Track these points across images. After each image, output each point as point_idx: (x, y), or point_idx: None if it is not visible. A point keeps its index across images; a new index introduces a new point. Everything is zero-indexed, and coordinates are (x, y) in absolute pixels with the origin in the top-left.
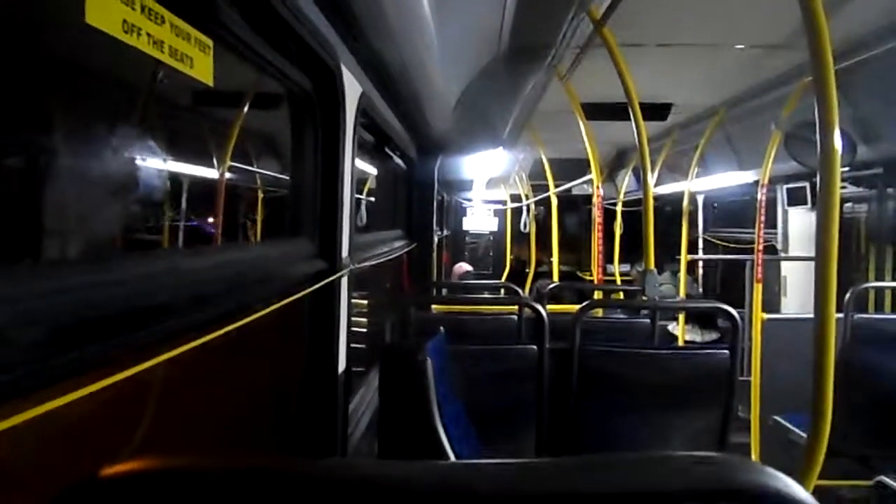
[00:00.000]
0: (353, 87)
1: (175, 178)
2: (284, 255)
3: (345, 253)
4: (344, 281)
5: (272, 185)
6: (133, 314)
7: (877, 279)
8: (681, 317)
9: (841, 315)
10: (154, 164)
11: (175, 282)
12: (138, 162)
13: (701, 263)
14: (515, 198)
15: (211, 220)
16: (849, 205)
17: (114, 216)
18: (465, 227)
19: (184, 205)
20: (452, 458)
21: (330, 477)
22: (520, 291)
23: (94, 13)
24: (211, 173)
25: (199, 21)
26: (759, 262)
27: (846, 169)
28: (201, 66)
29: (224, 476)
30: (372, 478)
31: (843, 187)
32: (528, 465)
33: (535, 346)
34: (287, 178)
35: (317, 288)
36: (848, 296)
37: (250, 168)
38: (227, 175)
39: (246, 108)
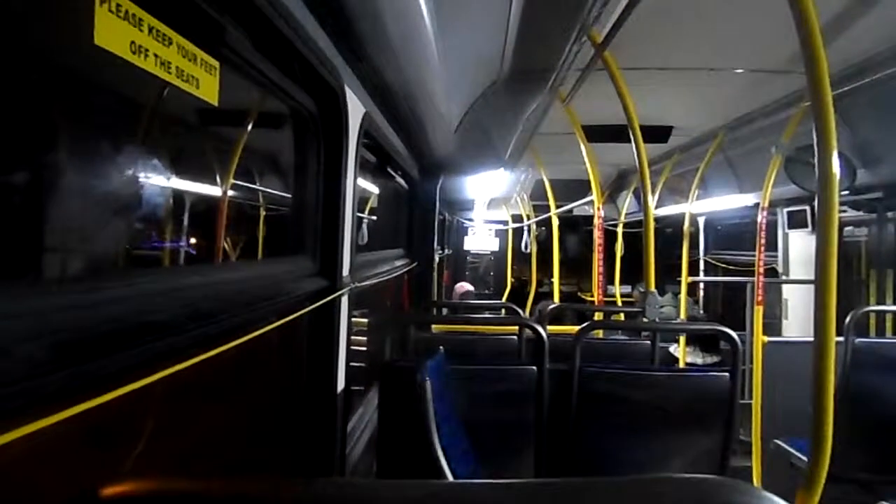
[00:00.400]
0: (356, 108)
1: (178, 196)
2: (285, 273)
3: (345, 271)
4: (344, 299)
5: (274, 203)
6: (132, 331)
7: (877, 303)
8: (681, 339)
9: (841, 339)
10: (157, 181)
11: (175, 299)
12: (141, 180)
13: (702, 285)
14: (517, 218)
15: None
16: (849, 228)
17: (115, 233)
18: (466, 247)
19: (186, 223)
20: (450, 477)
21: (327, 498)
22: (520, 312)
23: (102, 34)
24: (214, 191)
25: (205, 42)
26: (760, 284)
27: (846, 193)
28: (207, 87)
29: (221, 500)
30: (368, 498)
31: (842, 211)
32: (525, 486)
33: (534, 367)
34: (289, 196)
35: (317, 306)
36: (848, 319)
37: (253, 186)
38: (231, 193)
39: (250, 128)
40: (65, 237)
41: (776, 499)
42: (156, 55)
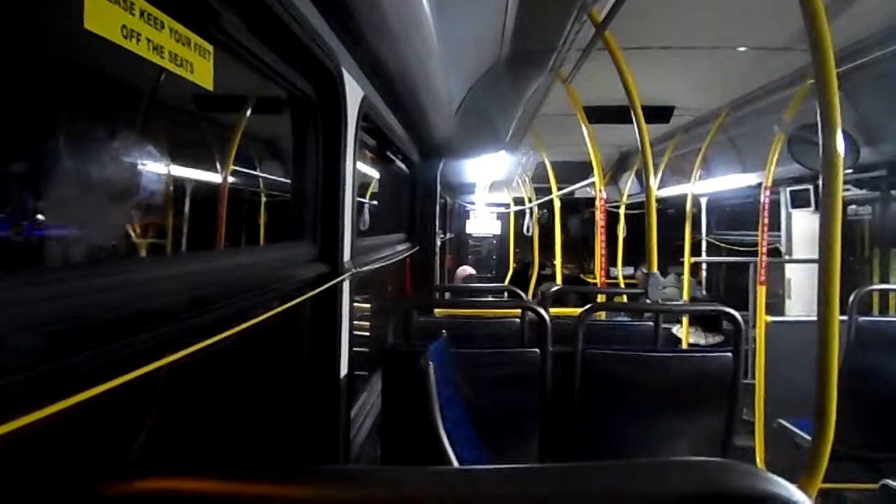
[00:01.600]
0: (354, 91)
1: (177, 183)
2: (286, 259)
3: (347, 257)
4: (346, 285)
5: (274, 188)
6: (133, 320)
7: (881, 282)
8: (684, 319)
9: (845, 318)
10: (155, 168)
11: (176, 286)
12: (139, 167)
13: (704, 266)
14: (518, 201)
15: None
16: (853, 207)
17: (114, 221)
18: (468, 231)
19: (185, 209)
20: (455, 462)
21: (331, 487)
22: (523, 295)
23: (92, 19)
24: (213, 177)
25: (199, 26)
26: (763, 264)
27: (849, 171)
28: (201, 71)
29: (224, 494)
30: (373, 486)
31: (846, 189)
32: (528, 472)
33: (538, 350)
34: (289, 182)
35: (318, 292)
36: (852, 298)
37: (252, 172)
38: (230, 179)
39: (248, 113)
40: (60, 225)
41: (779, 480)
42: (148, 39)
